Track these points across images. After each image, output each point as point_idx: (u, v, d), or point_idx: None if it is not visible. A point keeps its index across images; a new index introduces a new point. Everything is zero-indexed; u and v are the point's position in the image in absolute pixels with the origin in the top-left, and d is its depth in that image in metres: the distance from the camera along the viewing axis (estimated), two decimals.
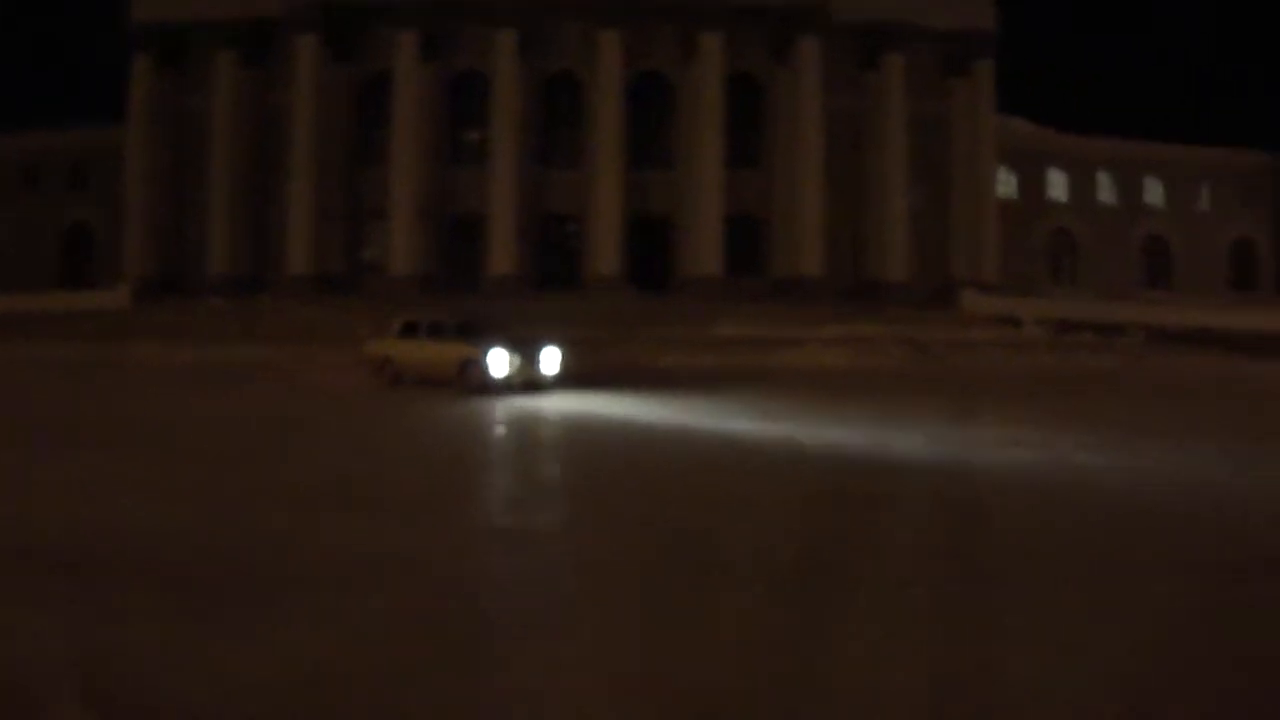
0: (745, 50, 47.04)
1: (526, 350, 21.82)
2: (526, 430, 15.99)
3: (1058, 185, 58.36)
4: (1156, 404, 19.93)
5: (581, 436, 15.08)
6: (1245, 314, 41.38)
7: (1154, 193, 61.23)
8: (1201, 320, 39.45)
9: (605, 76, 45.64)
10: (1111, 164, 60.04)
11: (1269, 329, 36.44)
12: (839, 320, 37.27)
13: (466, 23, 45.97)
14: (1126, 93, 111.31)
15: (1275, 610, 6.21)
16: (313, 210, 45.80)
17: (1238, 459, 12.17)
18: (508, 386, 21.15)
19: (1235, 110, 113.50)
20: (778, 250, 47.18)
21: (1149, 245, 60.22)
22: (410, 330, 22.64)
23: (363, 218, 46.90)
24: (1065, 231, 57.89)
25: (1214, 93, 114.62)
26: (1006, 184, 55.02)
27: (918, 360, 31.73)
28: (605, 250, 45.05)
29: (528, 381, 21.57)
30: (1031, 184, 56.74)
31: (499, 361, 21.19)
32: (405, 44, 45.71)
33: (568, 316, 32.72)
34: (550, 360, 22.26)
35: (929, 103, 48.86)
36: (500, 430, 15.87)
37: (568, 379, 22.52)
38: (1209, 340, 35.75)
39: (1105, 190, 59.97)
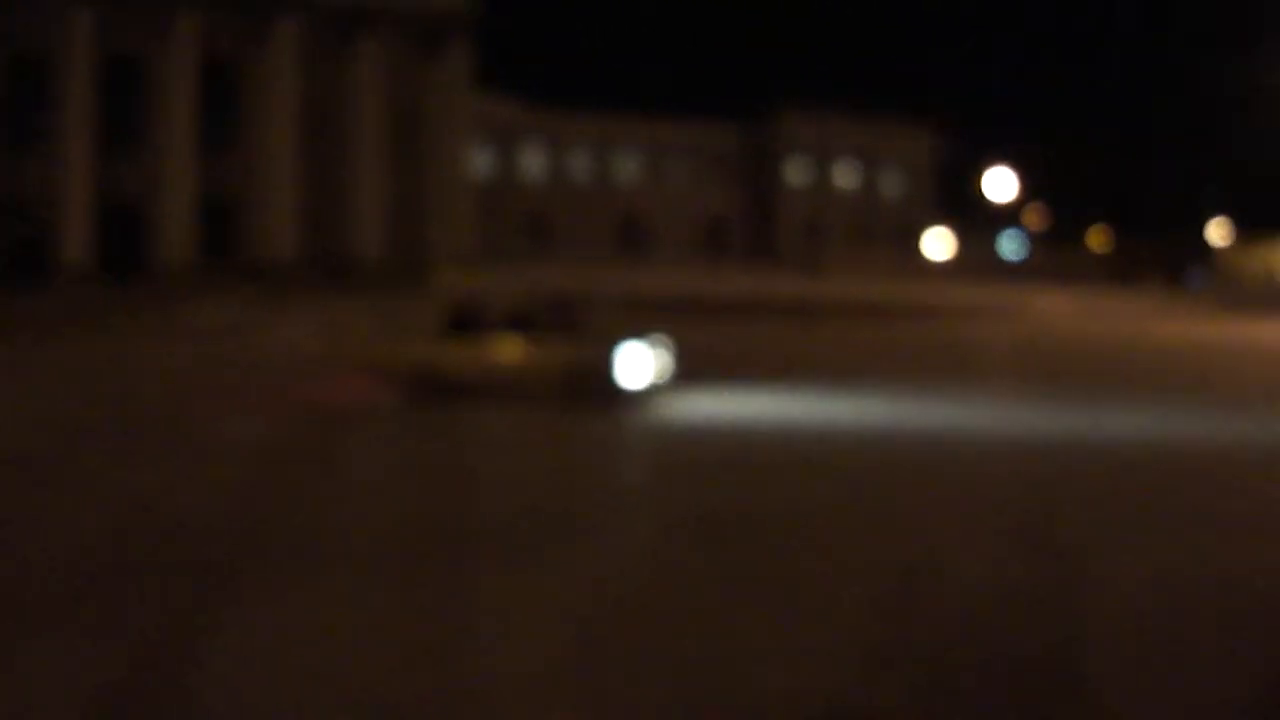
0: (222, 32, 52.43)
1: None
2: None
3: (537, 160, 69.56)
4: None
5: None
6: (719, 281, 50.88)
7: (631, 167, 74.38)
8: (676, 287, 46.82)
9: (75, 58, 48.99)
10: (589, 139, 72.16)
11: (741, 294, 44.43)
12: (313, 301, 43.18)
13: None
14: (607, 68, 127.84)
15: None
16: None
17: None
18: (642, 398, 17.68)
19: (712, 86, 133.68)
20: (254, 233, 53.27)
21: (625, 219, 73.15)
22: (466, 325, 18.11)
23: None
24: (544, 205, 69.12)
25: (691, 68, 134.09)
26: (485, 161, 65.18)
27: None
28: (74, 237, 48.81)
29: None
30: (510, 160, 67.31)
31: (640, 364, 17.85)
32: None
33: (35, 308, 37.16)
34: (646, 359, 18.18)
35: (406, 82, 56.42)
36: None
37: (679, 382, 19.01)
38: (684, 307, 39.51)
39: (583, 165, 72.06)
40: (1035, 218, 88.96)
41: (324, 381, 19.65)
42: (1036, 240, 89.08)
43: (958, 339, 32.03)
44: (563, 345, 17.66)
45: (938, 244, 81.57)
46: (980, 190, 78.39)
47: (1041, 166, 79.55)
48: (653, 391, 17.83)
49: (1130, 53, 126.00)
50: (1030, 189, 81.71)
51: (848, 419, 17.32)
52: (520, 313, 18.33)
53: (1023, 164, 78.75)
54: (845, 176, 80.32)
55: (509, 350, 17.61)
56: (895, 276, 60.07)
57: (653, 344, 18.34)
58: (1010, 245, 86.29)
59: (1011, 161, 78.37)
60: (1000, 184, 77.47)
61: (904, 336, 33.26)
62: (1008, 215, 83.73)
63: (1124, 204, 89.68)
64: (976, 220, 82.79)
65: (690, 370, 19.65)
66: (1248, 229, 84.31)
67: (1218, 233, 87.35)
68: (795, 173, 78.01)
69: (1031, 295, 48.17)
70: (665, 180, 75.33)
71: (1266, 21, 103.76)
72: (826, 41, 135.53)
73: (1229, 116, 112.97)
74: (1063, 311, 43.57)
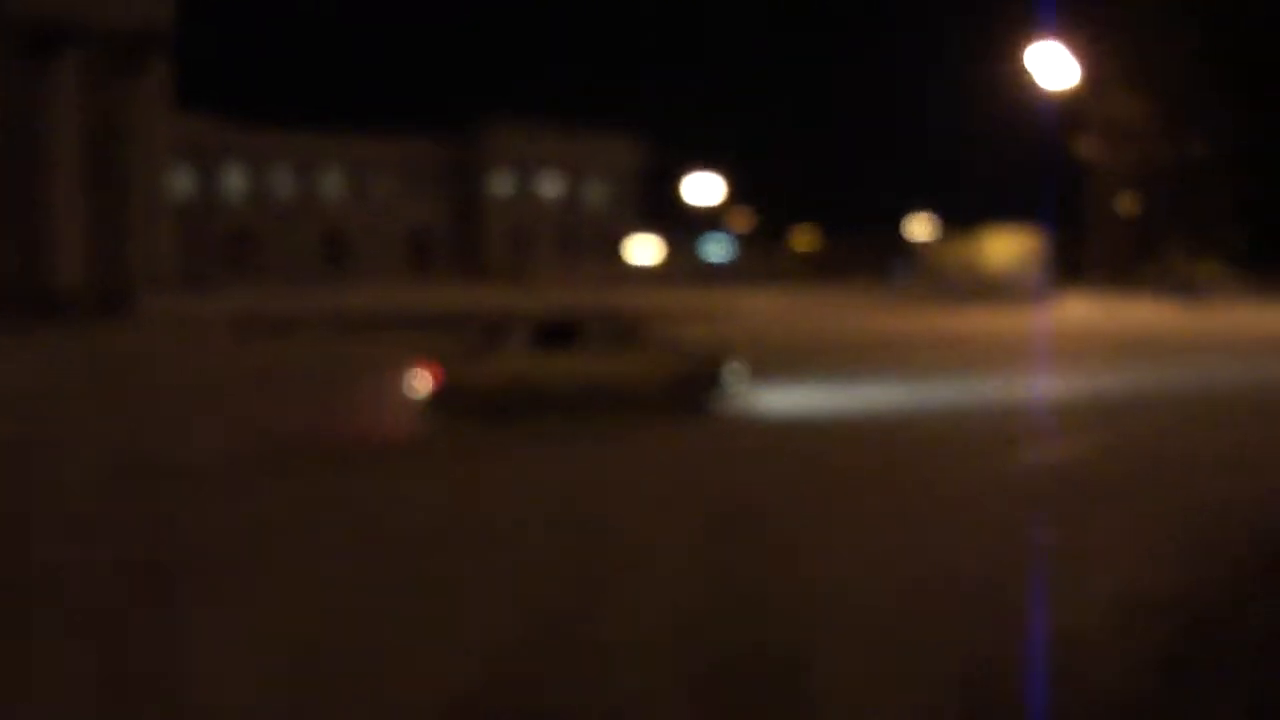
0: None
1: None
2: None
3: (239, 180, 72.87)
4: None
5: None
6: (425, 295, 51.63)
7: (335, 183, 78.70)
8: (383, 302, 48.27)
9: None
10: (292, 156, 75.48)
11: (447, 307, 43.41)
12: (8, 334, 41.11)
13: None
14: (311, 86, 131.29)
15: None
16: None
17: None
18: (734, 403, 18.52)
19: (417, 101, 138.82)
20: None
21: (329, 235, 77.26)
22: (559, 337, 18.08)
23: None
24: (247, 225, 72.38)
25: (396, 84, 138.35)
26: (187, 181, 68.04)
27: (94, 370, 32.18)
28: None
29: None
30: (212, 179, 70.17)
31: (741, 374, 18.83)
32: None
33: None
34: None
35: (103, 101, 57.34)
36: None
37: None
38: (391, 324, 40.19)
39: (286, 182, 75.83)
40: (739, 220, 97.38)
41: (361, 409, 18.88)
42: (741, 242, 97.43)
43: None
44: (668, 356, 18.46)
45: (644, 250, 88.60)
46: (683, 195, 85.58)
47: (744, 170, 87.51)
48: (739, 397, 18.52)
49: (831, 56, 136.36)
50: (734, 192, 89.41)
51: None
52: (617, 325, 18.79)
53: (726, 168, 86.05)
54: (551, 187, 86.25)
55: (601, 362, 17.57)
56: (602, 284, 64.22)
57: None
58: (715, 248, 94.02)
59: (714, 166, 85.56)
60: (703, 188, 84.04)
61: None
62: (711, 219, 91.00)
63: (828, 203, 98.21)
64: (681, 225, 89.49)
65: None
66: (950, 224, 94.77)
67: (920, 229, 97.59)
68: (500, 185, 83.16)
69: (739, 297, 50.92)
70: (370, 196, 78.76)
71: (966, 26, 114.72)
72: (531, 54, 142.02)
73: (930, 117, 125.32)
74: (771, 311, 46.34)
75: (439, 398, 17.15)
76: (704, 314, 41.98)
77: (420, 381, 17.25)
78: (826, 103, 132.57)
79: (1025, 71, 57.97)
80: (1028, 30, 56.91)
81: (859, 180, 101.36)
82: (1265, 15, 65.50)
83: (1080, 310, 50.54)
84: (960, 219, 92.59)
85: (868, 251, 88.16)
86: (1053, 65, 56.40)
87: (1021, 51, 57.66)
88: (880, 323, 41.16)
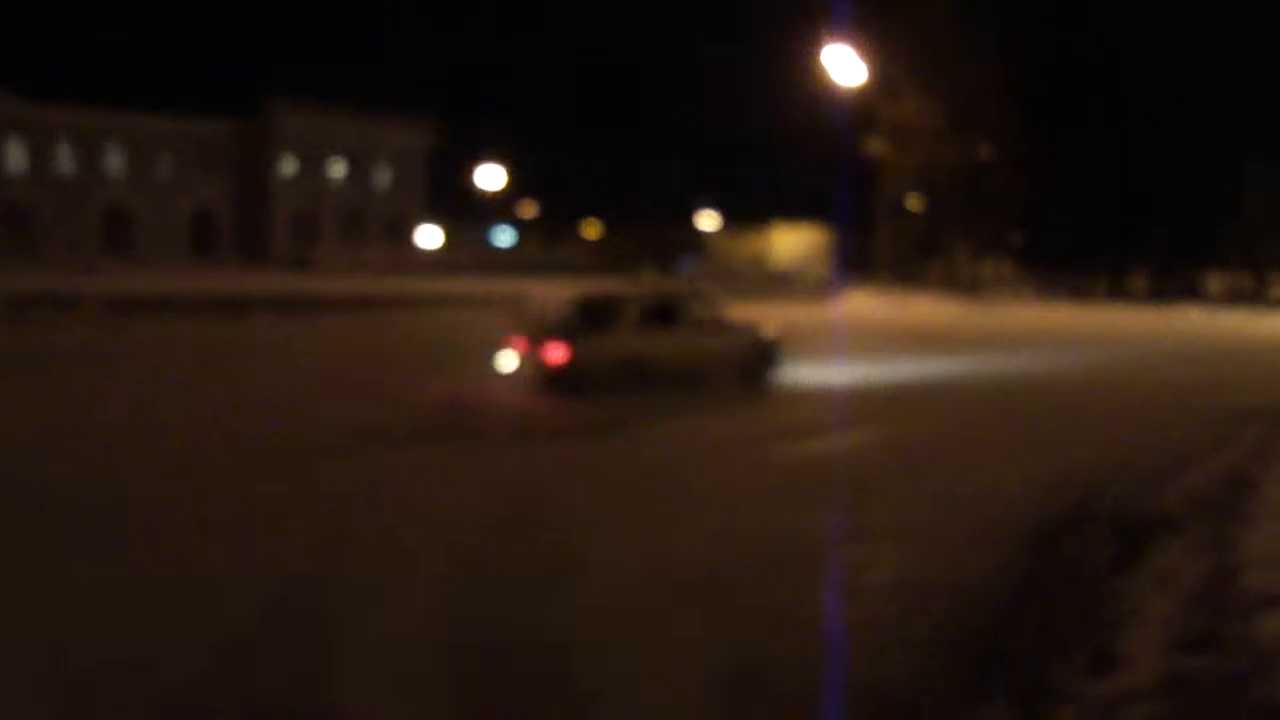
0: None
1: None
2: None
3: (18, 155, 69.56)
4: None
5: None
6: (206, 278, 50.89)
7: (116, 162, 75.42)
8: (162, 286, 45.27)
9: None
10: (73, 132, 72.44)
11: (228, 291, 43.74)
12: None
13: None
14: (96, 62, 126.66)
15: None
16: None
17: None
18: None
19: (205, 81, 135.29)
20: None
21: (111, 214, 73.88)
22: (661, 318, 19.13)
23: None
24: (24, 202, 69.23)
25: (184, 63, 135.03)
26: None
27: None
28: None
29: None
30: None
31: (781, 347, 20.48)
32: None
33: None
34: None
35: None
36: None
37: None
38: (170, 306, 39.27)
39: (66, 159, 72.52)
40: (528, 210, 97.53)
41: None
42: (530, 232, 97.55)
43: (454, 329, 32.83)
44: (741, 335, 20.13)
45: (431, 237, 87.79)
46: (473, 184, 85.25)
47: (531, 160, 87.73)
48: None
49: (624, 53, 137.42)
50: (521, 182, 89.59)
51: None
52: (689, 307, 19.79)
53: (515, 159, 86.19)
54: (338, 172, 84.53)
55: (693, 338, 19.09)
56: (389, 271, 63.96)
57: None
58: (502, 237, 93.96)
59: (504, 157, 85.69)
60: (492, 178, 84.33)
61: (409, 328, 33.69)
62: (500, 208, 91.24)
63: (615, 196, 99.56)
64: (469, 214, 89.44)
65: None
66: (740, 219, 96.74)
67: (709, 223, 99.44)
68: (287, 169, 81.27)
69: (528, 285, 50.10)
70: (153, 176, 75.40)
71: (765, 25, 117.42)
72: (322, 37, 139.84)
73: (723, 115, 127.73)
74: (558, 299, 46.99)
75: (559, 373, 17.75)
76: (493, 301, 42.19)
77: (552, 354, 17.71)
78: (616, 97, 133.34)
79: (820, 71, 58.90)
80: (822, 30, 57.77)
81: (648, 174, 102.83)
82: (1048, 23, 68.33)
83: (866, 305, 51.99)
84: (750, 214, 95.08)
85: (656, 244, 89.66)
86: (845, 65, 57.39)
87: (816, 51, 58.52)
88: None
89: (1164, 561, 7.76)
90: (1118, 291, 72.28)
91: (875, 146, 68.80)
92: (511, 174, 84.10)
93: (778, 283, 65.45)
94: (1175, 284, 75.03)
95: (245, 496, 10.34)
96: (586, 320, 19.07)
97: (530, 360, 18.07)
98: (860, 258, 70.50)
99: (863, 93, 62.72)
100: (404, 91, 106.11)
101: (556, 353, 17.63)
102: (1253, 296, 72.70)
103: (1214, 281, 79.78)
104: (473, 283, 52.70)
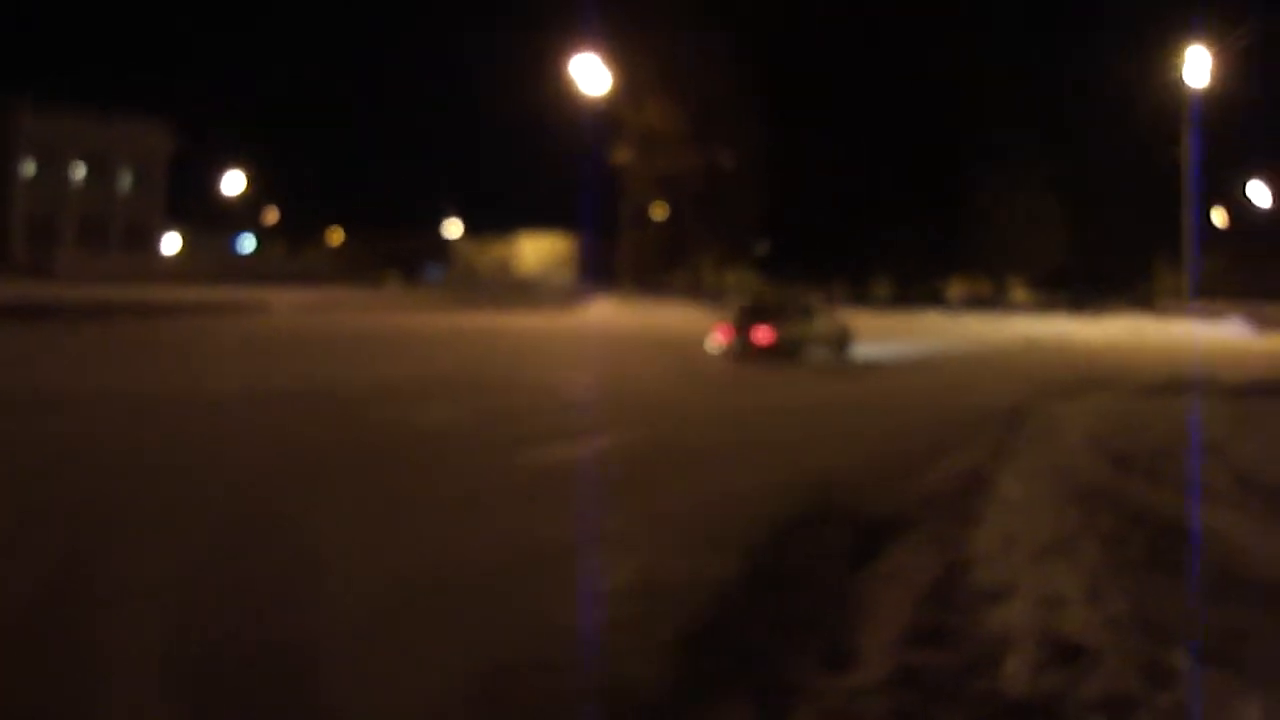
0: None
1: None
2: None
3: None
4: None
5: None
6: None
7: None
8: None
9: None
10: None
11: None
12: None
13: None
14: None
15: None
16: None
17: None
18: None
19: None
20: None
21: None
22: (804, 310, 30.41)
23: None
24: None
25: None
26: None
27: None
28: None
29: None
30: None
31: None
32: None
33: None
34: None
35: None
36: None
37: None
38: None
39: None
40: (272, 217, 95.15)
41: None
42: (274, 239, 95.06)
43: (198, 334, 32.03)
44: (831, 321, 30.57)
45: (173, 244, 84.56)
46: (216, 191, 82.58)
47: (275, 166, 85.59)
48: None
49: (364, 55, 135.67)
50: (265, 188, 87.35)
51: None
52: (807, 303, 32.42)
53: (257, 163, 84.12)
54: (79, 176, 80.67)
55: (814, 326, 29.23)
56: (132, 278, 61.53)
57: None
58: (245, 244, 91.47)
59: (245, 161, 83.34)
60: (233, 183, 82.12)
61: (157, 334, 31.95)
62: (243, 215, 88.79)
63: (362, 203, 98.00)
64: (212, 221, 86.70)
65: None
66: (486, 227, 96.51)
67: (454, 230, 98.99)
68: (24, 171, 77.20)
69: (272, 293, 50.40)
70: None
71: (514, 28, 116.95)
72: (63, 38, 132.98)
73: (468, 121, 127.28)
74: (303, 306, 46.54)
75: (769, 348, 26.90)
76: (238, 307, 42.58)
77: (763, 335, 27.03)
78: (355, 100, 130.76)
79: (567, 77, 59.23)
80: (570, 36, 58.13)
81: (390, 180, 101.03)
82: (788, 29, 70.17)
83: (608, 313, 52.49)
84: (497, 222, 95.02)
85: (401, 251, 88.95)
86: (591, 73, 57.90)
87: (564, 57, 58.84)
88: (406, 320, 41.25)
89: (898, 559, 7.96)
90: (861, 298, 74.67)
91: (621, 155, 69.47)
92: (253, 179, 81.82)
93: (524, 291, 65.64)
94: (918, 290, 77.80)
95: None
96: (760, 315, 27.98)
97: (740, 341, 26.97)
98: (605, 266, 71.14)
99: (609, 100, 63.40)
100: (148, 93, 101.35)
101: (766, 335, 26.87)
102: (991, 301, 76.06)
103: (955, 287, 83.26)
104: (221, 291, 51.49)
